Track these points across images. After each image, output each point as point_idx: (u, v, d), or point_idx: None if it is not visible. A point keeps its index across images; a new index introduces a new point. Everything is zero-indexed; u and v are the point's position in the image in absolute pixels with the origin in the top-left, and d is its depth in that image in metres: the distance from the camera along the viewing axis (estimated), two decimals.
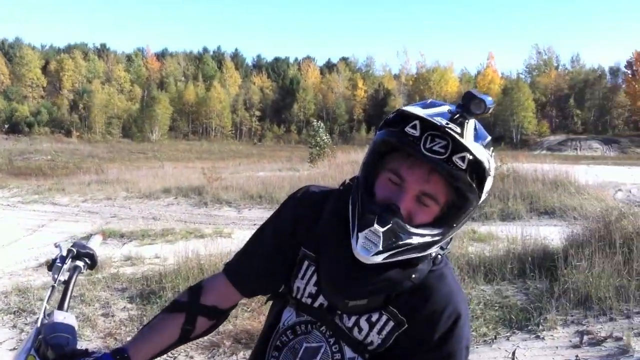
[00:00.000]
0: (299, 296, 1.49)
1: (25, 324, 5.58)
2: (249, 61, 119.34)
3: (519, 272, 6.35)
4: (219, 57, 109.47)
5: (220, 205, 14.45)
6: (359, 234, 1.26)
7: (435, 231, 1.26)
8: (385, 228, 1.23)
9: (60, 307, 1.78)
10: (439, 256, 1.35)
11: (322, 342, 1.43)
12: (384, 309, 1.35)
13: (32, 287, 6.67)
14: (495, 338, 4.82)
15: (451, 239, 1.36)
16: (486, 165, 1.19)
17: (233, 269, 1.62)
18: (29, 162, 33.85)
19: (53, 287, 1.84)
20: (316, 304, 1.45)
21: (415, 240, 1.24)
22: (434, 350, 1.30)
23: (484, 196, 1.24)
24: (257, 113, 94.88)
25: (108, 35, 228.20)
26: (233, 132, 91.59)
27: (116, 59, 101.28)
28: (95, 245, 2.02)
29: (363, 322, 1.37)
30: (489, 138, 1.26)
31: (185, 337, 1.56)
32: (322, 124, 29.11)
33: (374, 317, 1.36)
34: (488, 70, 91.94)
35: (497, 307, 5.46)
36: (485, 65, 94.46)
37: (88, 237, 2.03)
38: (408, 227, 1.23)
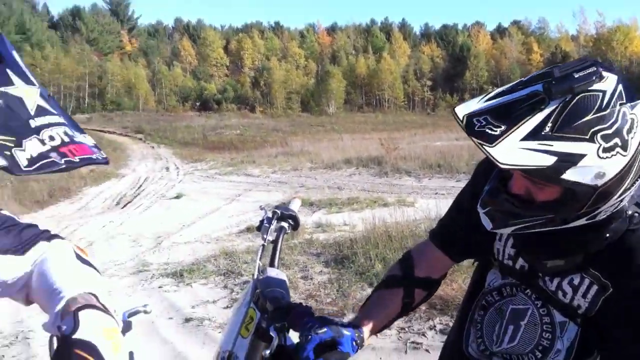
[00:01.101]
0: (500, 258, 1.52)
1: (234, 285, 6.13)
2: (417, 30, 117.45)
3: None
4: (386, 29, 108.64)
5: (400, 174, 14.59)
6: (478, 209, 1.34)
7: (558, 210, 1.21)
8: (485, 210, 1.30)
9: (271, 264, 1.97)
10: (636, 215, 1.29)
11: (529, 304, 1.45)
12: (585, 272, 1.33)
13: (237, 251, 7.29)
14: None
15: None
16: (544, 162, 1.09)
17: (439, 236, 1.70)
18: (220, 136, 36.13)
19: (263, 246, 2.00)
20: (517, 266, 1.47)
21: (532, 218, 1.24)
22: None
23: (600, 180, 1.13)
24: (429, 82, 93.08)
25: (281, 12, 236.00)
26: (406, 102, 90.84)
27: (290, 36, 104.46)
28: (296, 207, 2.17)
29: (565, 286, 1.36)
30: (596, 114, 1.10)
31: (405, 309, 1.66)
32: None
33: (576, 280, 1.34)
34: None
35: None
36: None
37: (289, 201, 2.21)
38: (514, 208, 1.25)
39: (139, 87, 78.70)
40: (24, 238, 1.15)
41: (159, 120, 53.40)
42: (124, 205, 12.44)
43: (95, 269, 1.16)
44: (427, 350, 4.24)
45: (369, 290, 5.43)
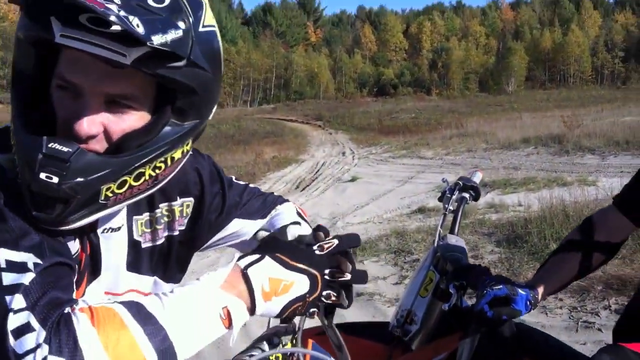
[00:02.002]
0: None
1: (404, 262, 6.24)
2: None
3: None
4: None
5: (583, 153, 13.77)
6: None
7: None
8: None
9: (451, 231, 2.09)
10: None
11: None
12: None
13: (408, 231, 7.40)
14: None
15: None
16: None
17: (623, 200, 1.70)
18: (395, 120, 36.37)
19: (444, 214, 2.16)
20: None
21: None
22: None
23: None
24: (620, 54, 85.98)
25: None
26: (593, 76, 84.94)
27: (471, 14, 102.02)
28: (477, 180, 2.26)
29: None
30: None
31: (582, 272, 1.71)
32: None
33: None
34: None
35: None
36: None
37: (470, 173, 2.32)
38: None
39: (320, 76, 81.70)
40: (267, 204, 1.45)
41: (337, 107, 54.90)
42: (303, 189, 13.09)
43: (310, 226, 1.40)
44: (599, 330, 4.09)
45: None
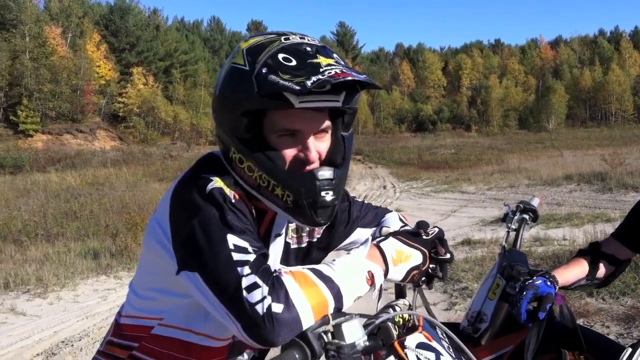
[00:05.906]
0: None
1: (453, 290, 6.53)
2: None
3: None
4: (616, 38, 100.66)
5: (626, 190, 13.81)
6: None
7: None
8: None
9: (514, 246, 2.45)
10: None
11: None
12: None
13: (455, 261, 7.60)
14: None
15: None
16: None
17: (618, 231, 2.19)
18: (435, 156, 36.49)
19: (508, 232, 2.50)
20: None
21: None
22: None
23: None
24: None
25: (502, 30, 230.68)
26: (635, 115, 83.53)
27: (510, 52, 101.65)
28: (536, 204, 2.60)
29: None
30: None
31: (591, 274, 2.11)
32: None
33: None
34: None
35: None
36: None
37: (530, 198, 2.68)
38: None
39: (359, 112, 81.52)
40: (378, 215, 1.83)
41: (376, 142, 55.23)
42: None
43: (410, 226, 1.76)
44: None
45: (587, 300, 5.51)
